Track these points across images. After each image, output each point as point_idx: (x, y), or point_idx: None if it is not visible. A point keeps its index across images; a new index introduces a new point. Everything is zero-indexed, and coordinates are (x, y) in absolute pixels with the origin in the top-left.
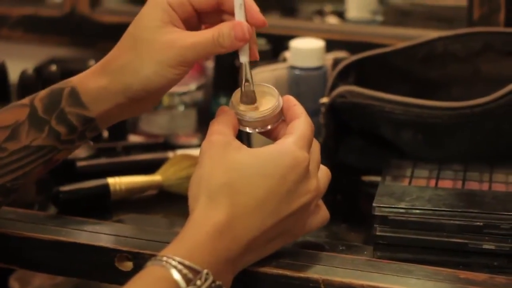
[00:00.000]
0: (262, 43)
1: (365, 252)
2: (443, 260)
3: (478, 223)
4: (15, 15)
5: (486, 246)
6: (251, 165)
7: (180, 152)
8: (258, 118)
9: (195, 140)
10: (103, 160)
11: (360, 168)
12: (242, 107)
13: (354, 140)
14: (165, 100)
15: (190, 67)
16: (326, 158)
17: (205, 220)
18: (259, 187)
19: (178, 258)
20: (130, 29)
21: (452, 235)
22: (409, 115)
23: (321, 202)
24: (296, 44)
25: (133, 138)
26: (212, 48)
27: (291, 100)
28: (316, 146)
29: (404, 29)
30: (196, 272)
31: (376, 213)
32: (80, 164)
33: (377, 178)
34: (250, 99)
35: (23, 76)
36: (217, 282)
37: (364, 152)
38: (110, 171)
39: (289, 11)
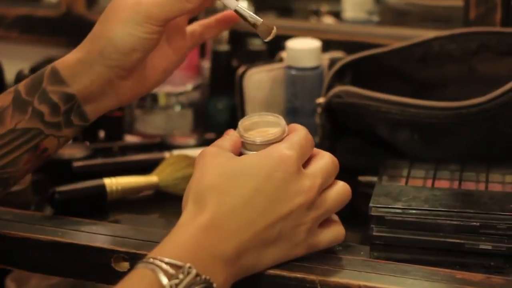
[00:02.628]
0: (258, 43)
1: (362, 253)
2: (440, 260)
3: (474, 223)
4: (12, 16)
5: (483, 246)
6: (237, 167)
7: (176, 152)
8: (264, 141)
9: (191, 141)
10: (99, 161)
11: (357, 168)
12: (249, 133)
13: (350, 140)
14: (162, 100)
15: (160, 26)
16: None
17: (190, 221)
18: (245, 186)
19: (159, 257)
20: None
21: (448, 235)
22: (406, 115)
23: (335, 218)
24: (293, 44)
25: (130, 138)
26: (180, 4)
27: (296, 125)
28: (324, 159)
29: (400, 29)
30: (178, 268)
31: (372, 213)
32: (76, 164)
33: (374, 178)
34: (266, 31)
35: (19, 76)
36: (204, 277)
37: (360, 152)
38: (107, 172)
39: (286, 11)
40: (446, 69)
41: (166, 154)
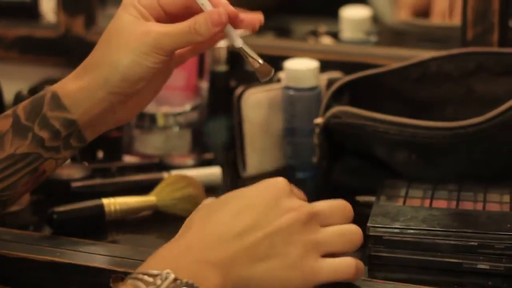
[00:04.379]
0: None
1: None
2: (438, 280)
3: (472, 243)
4: (11, 36)
5: (481, 266)
6: (231, 194)
7: (174, 172)
8: None
9: (189, 161)
10: (98, 181)
11: (355, 188)
12: None
13: (348, 160)
14: (160, 120)
15: (167, 56)
16: (321, 178)
17: (176, 238)
18: (235, 204)
19: (142, 271)
20: (107, 28)
21: (446, 255)
22: (403, 135)
23: (350, 259)
24: (291, 64)
25: (128, 159)
26: (189, 36)
27: None
28: (333, 200)
29: (398, 50)
30: (155, 276)
31: (370, 233)
32: (75, 184)
33: (372, 198)
34: (265, 72)
35: (18, 97)
36: (185, 281)
37: (358, 172)
38: (105, 192)
39: (284, 31)
40: (444, 89)
41: (165, 174)
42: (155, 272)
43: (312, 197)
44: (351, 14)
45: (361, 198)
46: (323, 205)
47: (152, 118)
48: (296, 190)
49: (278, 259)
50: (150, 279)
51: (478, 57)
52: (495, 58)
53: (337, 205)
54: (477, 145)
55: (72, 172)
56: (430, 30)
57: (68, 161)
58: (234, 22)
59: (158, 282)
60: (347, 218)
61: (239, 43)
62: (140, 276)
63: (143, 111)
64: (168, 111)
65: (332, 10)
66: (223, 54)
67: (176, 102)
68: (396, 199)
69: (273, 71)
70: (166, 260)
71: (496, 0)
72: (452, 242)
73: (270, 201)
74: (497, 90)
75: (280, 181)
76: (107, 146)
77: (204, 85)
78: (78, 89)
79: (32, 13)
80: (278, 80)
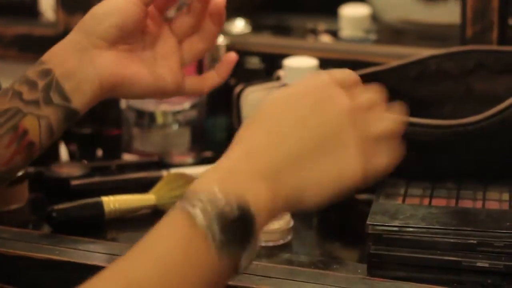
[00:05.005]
0: (256, 62)
1: (359, 270)
2: (437, 278)
3: (471, 241)
4: (10, 34)
5: (480, 264)
6: (277, 99)
7: (174, 171)
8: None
9: (189, 159)
10: (97, 179)
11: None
12: None
13: None
14: (159, 118)
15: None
16: None
17: (220, 160)
18: (277, 105)
19: (185, 196)
20: None
21: (446, 253)
22: (402, 133)
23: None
24: (290, 62)
25: (127, 157)
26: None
27: None
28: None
29: (397, 48)
30: (205, 200)
31: (370, 231)
32: (74, 183)
33: (371, 197)
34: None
35: None
36: (236, 203)
37: None
38: (104, 190)
39: (283, 29)
40: (443, 87)
41: (164, 173)
42: (203, 195)
43: None
44: (350, 12)
45: (360, 196)
46: (366, 99)
47: (151, 116)
48: (341, 79)
49: (330, 157)
50: (200, 204)
51: (477, 55)
52: (495, 56)
53: (373, 96)
54: (476, 143)
55: (71, 170)
56: (429, 28)
57: (67, 159)
58: None
59: (209, 207)
60: (388, 109)
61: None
62: (190, 200)
63: (142, 109)
64: (167, 109)
65: (331, 8)
66: (222, 52)
67: (175, 100)
68: (395, 197)
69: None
70: (214, 180)
71: None
72: (452, 240)
73: (317, 98)
74: (496, 88)
75: (322, 75)
76: (106, 144)
77: None
78: (58, 44)
79: (31, 11)
80: (278, 78)
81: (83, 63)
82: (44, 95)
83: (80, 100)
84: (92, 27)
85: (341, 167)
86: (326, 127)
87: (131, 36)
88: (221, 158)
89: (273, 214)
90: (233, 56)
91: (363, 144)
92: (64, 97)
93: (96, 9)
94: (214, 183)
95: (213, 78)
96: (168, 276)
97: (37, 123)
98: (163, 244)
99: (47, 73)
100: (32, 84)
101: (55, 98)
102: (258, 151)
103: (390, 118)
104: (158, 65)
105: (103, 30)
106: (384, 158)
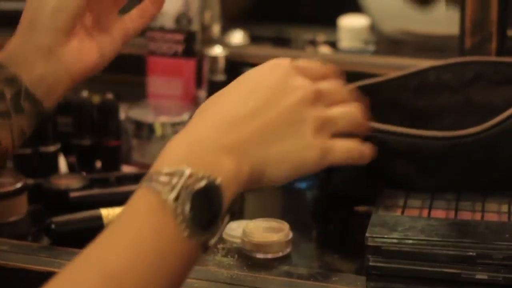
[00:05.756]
0: None
1: (358, 283)
2: None
3: (471, 253)
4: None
5: (479, 276)
6: (237, 79)
7: None
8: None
9: None
10: (96, 191)
11: (353, 198)
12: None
13: (346, 170)
14: (158, 130)
15: None
16: (319, 188)
17: (183, 131)
18: (243, 87)
19: (150, 172)
20: None
21: (445, 265)
22: (402, 145)
23: (358, 141)
24: None
25: (126, 169)
26: None
27: None
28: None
29: (396, 59)
30: (170, 174)
31: (369, 244)
32: (73, 195)
33: (370, 208)
34: None
35: None
36: (201, 174)
37: (356, 182)
38: (103, 202)
39: (282, 41)
40: (442, 99)
41: None
42: (169, 170)
43: (310, 207)
44: (349, 23)
45: (359, 208)
46: (327, 85)
47: (150, 127)
48: (303, 66)
49: (291, 137)
50: (166, 179)
51: (476, 67)
52: (493, 68)
53: (341, 86)
54: (476, 154)
55: (70, 182)
56: (428, 39)
57: (66, 171)
58: None
59: (174, 180)
60: (349, 99)
61: None
62: (155, 177)
63: (141, 120)
64: (166, 120)
65: (330, 19)
66: (221, 64)
67: (174, 111)
68: (394, 209)
69: None
70: (178, 155)
71: (494, 9)
72: (451, 252)
73: (278, 81)
74: (495, 100)
75: (285, 60)
76: (105, 156)
77: (202, 94)
78: (10, 43)
79: None
80: None
81: (51, 65)
82: (14, 105)
83: (52, 100)
84: (49, 23)
85: (298, 148)
86: (285, 111)
87: (82, 17)
88: (185, 128)
89: (239, 187)
90: None
91: (320, 128)
92: (36, 102)
93: (42, 2)
94: (179, 156)
95: (150, 10)
96: (142, 259)
97: (9, 133)
98: (133, 226)
99: (13, 80)
100: None
101: (26, 106)
102: (223, 125)
103: (351, 107)
104: (105, 40)
105: (63, 24)
106: (344, 143)
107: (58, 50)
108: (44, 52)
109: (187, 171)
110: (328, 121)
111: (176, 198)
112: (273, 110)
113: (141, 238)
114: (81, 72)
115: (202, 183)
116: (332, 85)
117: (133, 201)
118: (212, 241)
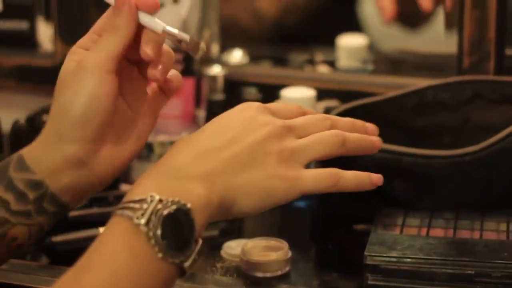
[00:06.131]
0: (253, 92)
1: None
2: None
3: (469, 272)
4: (8, 65)
5: None
6: (209, 122)
7: None
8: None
9: None
10: (95, 210)
11: (352, 217)
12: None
13: None
14: (157, 149)
15: (111, 73)
16: (318, 206)
17: (153, 165)
18: (212, 126)
19: (127, 199)
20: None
21: (444, 283)
22: (400, 163)
23: (333, 169)
24: (287, 93)
25: (126, 188)
26: (113, 36)
27: None
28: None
29: (395, 78)
30: (140, 201)
31: (367, 262)
32: (72, 214)
33: (369, 227)
34: (195, 47)
35: (15, 126)
36: (171, 199)
37: (355, 201)
38: (102, 221)
39: (280, 60)
40: (440, 118)
41: None
42: (139, 197)
43: (309, 226)
44: (347, 42)
45: (358, 227)
46: (300, 120)
47: (149, 146)
48: (275, 108)
49: (258, 169)
50: (137, 205)
51: (474, 86)
52: (492, 87)
53: (315, 118)
54: (474, 173)
55: None
56: (426, 59)
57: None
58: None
59: (145, 206)
60: (326, 128)
61: (160, 27)
62: (126, 205)
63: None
64: (165, 139)
65: (328, 39)
66: (220, 83)
67: (173, 130)
68: (393, 227)
69: (202, 43)
70: (148, 184)
71: (492, 28)
72: (449, 271)
73: (246, 119)
74: (494, 119)
75: (255, 102)
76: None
77: (201, 113)
78: (37, 145)
79: (29, 42)
80: None
81: (81, 174)
82: (37, 207)
83: (79, 202)
84: (76, 135)
85: (263, 178)
86: (251, 144)
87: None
88: (154, 166)
89: (210, 213)
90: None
91: (288, 159)
92: (61, 205)
93: (70, 110)
94: (149, 185)
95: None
96: (120, 280)
97: (27, 231)
98: (110, 249)
99: (38, 185)
100: (20, 195)
101: (49, 208)
102: (193, 156)
103: (325, 134)
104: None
105: (91, 135)
106: (314, 172)
107: (89, 161)
108: (74, 164)
109: (157, 197)
110: (297, 151)
111: (147, 223)
112: (240, 144)
113: (118, 260)
114: (113, 174)
115: (172, 208)
116: (305, 119)
117: (109, 227)
118: (188, 264)
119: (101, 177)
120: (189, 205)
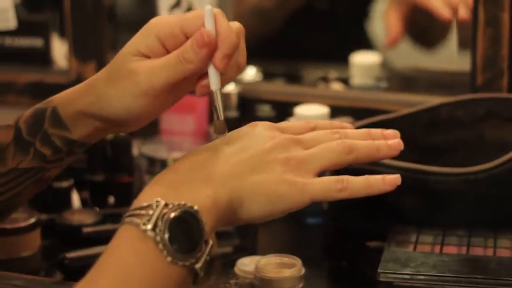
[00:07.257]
0: (267, 109)
1: None
2: None
3: None
4: (22, 82)
5: None
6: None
7: None
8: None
9: None
10: (109, 226)
11: (365, 234)
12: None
13: (358, 206)
14: (171, 165)
15: (161, 92)
16: (331, 224)
17: (160, 173)
18: (222, 140)
19: (130, 209)
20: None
21: None
22: (414, 181)
23: (342, 176)
24: (301, 110)
25: None
26: (179, 66)
27: None
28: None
29: (408, 95)
30: (146, 207)
31: (381, 279)
32: (86, 230)
33: (382, 244)
34: (219, 129)
35: None
36: (176, 203)
37: (368, 218)
38: None
39: (294, 77)
40: (454, 135)
41: None
42: (146, 204)
43: (322, 243)
44: (361, 60)
45: (371, 244)
46: (308, 134)
47: (163, 163)
48: (283, 126)
49: (265, 173)
50: (143, 212)
51: (488, 103)
52: (505, 104)
53: (324, 133)
54: (488, 190)
55: (83, 218)
56: (439, 76)
57: (79, 206)
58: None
59: (151, 211)
60: (335, 140)
61: (214, 86)
62: (133, 212)
63: (154, 156)
64: (179, 156)
65: (342, 56)
66: (233, 100)
67: (187, 147)
68: (406, 244)
69: (226, 131)
70: (154, 190)
71: (505, 46)
72: None
73: (254, 134)
74: (507, 136)
75: (265, 122)
76: (118, 192)
77: None
78: (76, 112)
79: (44, 59)
80: None
81: (105, 133)
82: (68, 153)
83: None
84: (106, 116)
85: (270, 182)
86: (258, 152)
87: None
88: (161, 173)
89: (219, 214)
90: None
91: (295, 167)
92: (86, 147)
93: (107, 97)
94: (155, 192)
95: None
96: (130, 286)
97: (59, 170)
98: (119, 257)
99: (71, 142)
100: (56, 150)
101: (78, 152)
102: (200, 163)
103: (332, 143)
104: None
105: (122, 122)
106: (323, 180)
107: (116, 129)
108: (104, 130)
109: (163, 202)
110: (304, 161)
111: (154, 227)
112: (248, 152)
113: (128, 267)
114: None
115: (178, 211)
116: (313, 133)
117: (117, 235)
118: (199, 265)
119: (125, 130)
120: (195, 207)
